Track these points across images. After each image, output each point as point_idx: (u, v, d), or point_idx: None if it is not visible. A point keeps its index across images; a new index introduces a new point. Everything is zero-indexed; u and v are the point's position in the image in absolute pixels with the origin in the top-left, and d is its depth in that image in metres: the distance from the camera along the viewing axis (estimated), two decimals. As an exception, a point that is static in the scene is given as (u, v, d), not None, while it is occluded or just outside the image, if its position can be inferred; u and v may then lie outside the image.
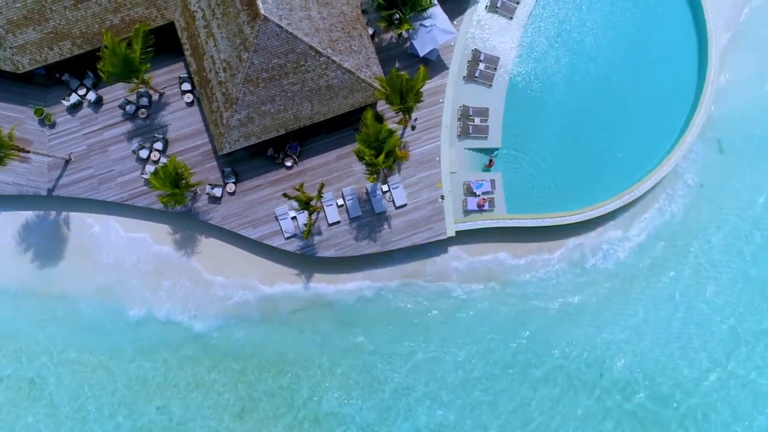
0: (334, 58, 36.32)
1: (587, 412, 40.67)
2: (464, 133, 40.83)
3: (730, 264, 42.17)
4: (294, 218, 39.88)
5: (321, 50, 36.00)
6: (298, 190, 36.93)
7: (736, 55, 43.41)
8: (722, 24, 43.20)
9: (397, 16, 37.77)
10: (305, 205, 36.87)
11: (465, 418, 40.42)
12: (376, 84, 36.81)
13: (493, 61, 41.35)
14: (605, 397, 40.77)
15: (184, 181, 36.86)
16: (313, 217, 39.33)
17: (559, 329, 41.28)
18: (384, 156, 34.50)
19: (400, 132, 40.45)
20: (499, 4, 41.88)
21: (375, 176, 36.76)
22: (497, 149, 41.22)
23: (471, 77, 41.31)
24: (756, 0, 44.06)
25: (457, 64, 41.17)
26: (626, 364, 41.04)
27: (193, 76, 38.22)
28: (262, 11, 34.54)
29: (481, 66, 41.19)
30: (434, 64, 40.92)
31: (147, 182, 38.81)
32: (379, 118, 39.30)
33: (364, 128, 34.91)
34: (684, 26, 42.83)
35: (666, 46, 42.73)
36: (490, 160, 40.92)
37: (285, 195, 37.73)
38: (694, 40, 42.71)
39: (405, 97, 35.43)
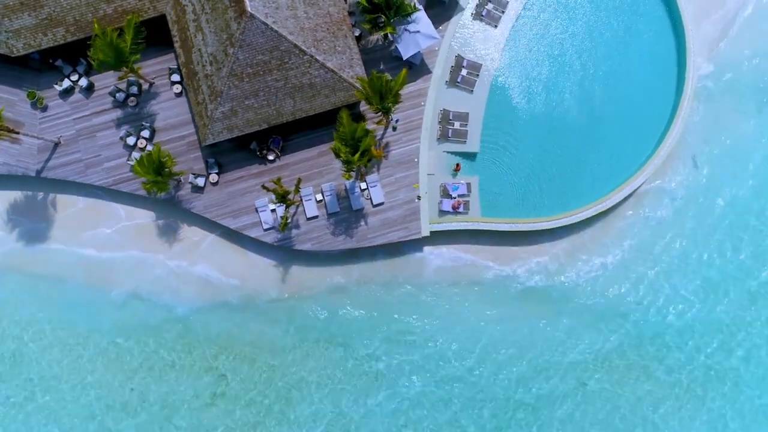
0: (317, 57, 37.33)
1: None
2: (443, 137, 41.78)
3: (705, 268, 43.12)
4: (273, 211, 40.84)
5: (305, 49, 37.02)
6: (275, 183, 37.95)
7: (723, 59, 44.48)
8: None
9: (382, 19, 38.76)
10: (282, 198, 37.88)
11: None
12: (357, 84, 37.80)
13: (475, 68, 42.29)
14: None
15: (167, 170, 37.90)
16: (291, 211, 40.37)
17: (530, 329, 42.24)
18: (359, 154, 35.50)
19: (381, 132, 41.44)
20: (484, 13, 42.82)
21: (351, 174, 37.76)
22: (475, 153, 42.15)
23: (453, 82, 42.23)
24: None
25: (440, 69, 42.12)
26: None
27: (181, 67, 39.28)
28: (249, 8, 35.59)
29: (464, 72, 42.13)
30: (418, 68, 41.89)
31: (132, 169, 39.92)
32: (360, 118, 40.33)
33: (341, 127, 35.94)
34: (664, 37, 43.68)
35: (645, 57, 43.60)
36: (457, 165, 41.81)
37: (264, 187, 38.76)
38: (673, 52, 43.57)
39: (384, 98, 36.42)
